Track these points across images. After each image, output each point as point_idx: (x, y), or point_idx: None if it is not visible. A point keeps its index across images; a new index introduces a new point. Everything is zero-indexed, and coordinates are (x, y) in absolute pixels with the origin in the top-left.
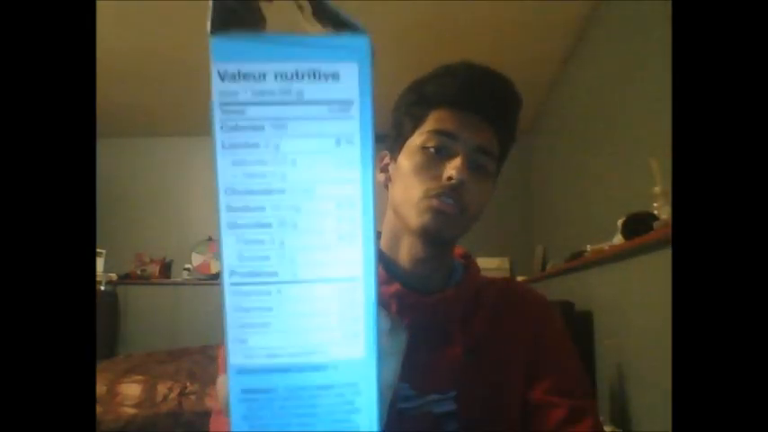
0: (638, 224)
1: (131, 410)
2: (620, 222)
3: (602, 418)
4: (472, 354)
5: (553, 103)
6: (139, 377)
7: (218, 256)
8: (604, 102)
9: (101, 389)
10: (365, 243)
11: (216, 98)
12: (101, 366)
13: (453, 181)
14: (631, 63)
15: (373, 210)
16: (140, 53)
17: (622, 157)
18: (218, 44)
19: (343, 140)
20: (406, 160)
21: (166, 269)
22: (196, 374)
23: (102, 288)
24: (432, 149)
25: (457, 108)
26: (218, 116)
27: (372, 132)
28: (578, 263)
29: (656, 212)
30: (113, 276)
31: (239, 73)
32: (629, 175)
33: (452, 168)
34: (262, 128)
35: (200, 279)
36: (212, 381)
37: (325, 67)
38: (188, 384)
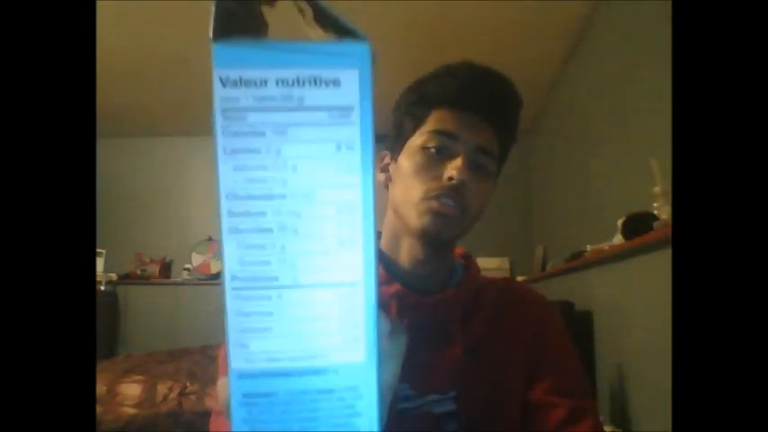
0: (638, 224)
1: (131, 410)
2: (620, 222)
3: (602, 418)
4: (472, 354)
5: (553, 103)
6: (139, 377)
7: (218, 255)
8: (604, 102)
9: (101, 389)
10: (365, 248)
11: (217, 104)
12: (101, 366)
13: (454, 181)
14: (631, 63)
15: (373, 215)
16: (140, 53)
17: (622, 157)
18: (219, 51)
19: (343, 146)
20: (407, 160)
21: (166, 269)
22: (196, 374)
23: (102, 288)
24: (432, 150)
25: (457, 108)
26: (219, 122)
27: (372, 138)
28: (578, 263)
29: (656, 212)
30: (113, 276)
31: (241, 79)
32: (629, 175)
33: (453, 168)
34: (263, 133)
35: (200, 279)
36: (212, 381)
37: (326, 73)
38: (188, 384)
